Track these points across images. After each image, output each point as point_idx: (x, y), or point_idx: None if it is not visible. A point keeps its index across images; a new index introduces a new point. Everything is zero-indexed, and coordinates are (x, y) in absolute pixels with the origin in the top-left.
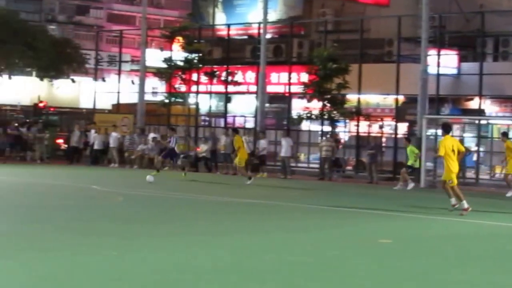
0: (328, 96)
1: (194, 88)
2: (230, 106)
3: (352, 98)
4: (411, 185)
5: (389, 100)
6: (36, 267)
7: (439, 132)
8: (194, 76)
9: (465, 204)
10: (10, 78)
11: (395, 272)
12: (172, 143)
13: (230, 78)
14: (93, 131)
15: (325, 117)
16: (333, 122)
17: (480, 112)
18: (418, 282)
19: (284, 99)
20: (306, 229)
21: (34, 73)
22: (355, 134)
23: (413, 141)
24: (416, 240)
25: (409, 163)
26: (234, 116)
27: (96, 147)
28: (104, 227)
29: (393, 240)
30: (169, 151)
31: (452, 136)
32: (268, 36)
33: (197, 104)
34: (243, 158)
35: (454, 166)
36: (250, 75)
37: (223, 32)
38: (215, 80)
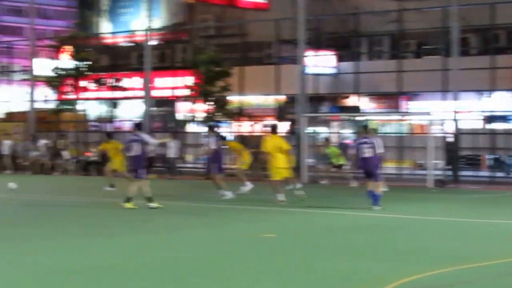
0: (212, 99)
1: (83, 95)
2: (118, 111)
3: (235, 99)
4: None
5: (271, 100)
6: None
7: (318, 129)
8: (83, 84)
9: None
10: None
11: (276, 264)
12: None
13: (117, 84)
14: None
15: (209, 118)
16: (216, 123)
17: (355, 109)
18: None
19: (170, 102)
20: (196, 226)
21: None
22: (238, 133)
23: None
24: (298, 233)
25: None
26: (122, 121)
27: None
28: None
29: (276, 234)
30: None
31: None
32: (153, 42)
33: (85, 110)
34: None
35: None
36: (137, 81)
37: (109, 40)
38: (102, 87)
